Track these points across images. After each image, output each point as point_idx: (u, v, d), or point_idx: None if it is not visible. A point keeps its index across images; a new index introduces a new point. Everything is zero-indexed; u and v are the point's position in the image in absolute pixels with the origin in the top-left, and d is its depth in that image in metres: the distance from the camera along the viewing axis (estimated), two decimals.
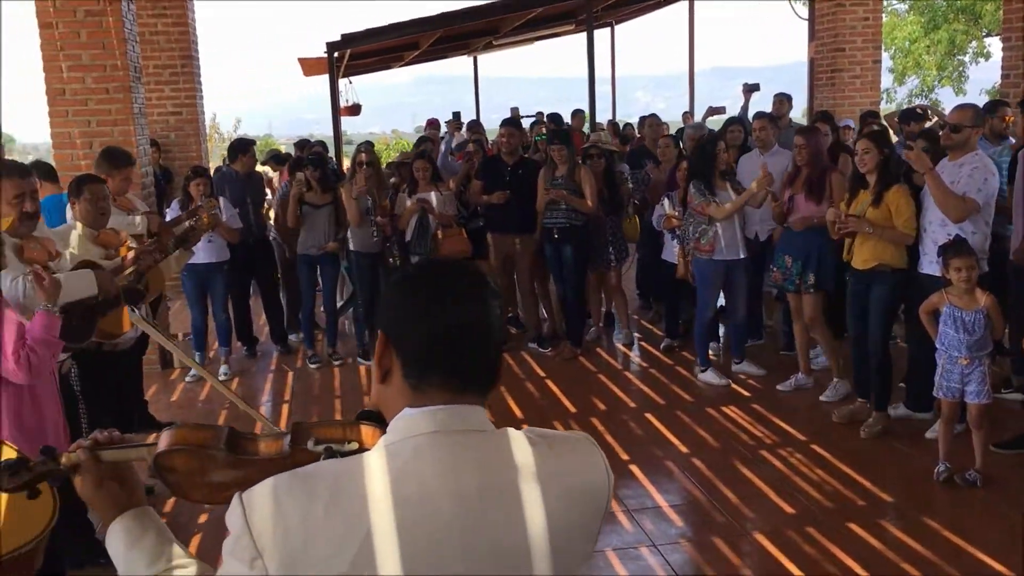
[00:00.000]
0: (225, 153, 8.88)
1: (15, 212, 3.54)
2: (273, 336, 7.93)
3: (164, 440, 1.49)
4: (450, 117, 12.99)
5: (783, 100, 8.40)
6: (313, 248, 7.17)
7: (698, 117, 12.38)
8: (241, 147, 7.91)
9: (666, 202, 6.87)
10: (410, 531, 1.18)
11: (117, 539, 1.45)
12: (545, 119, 12.27)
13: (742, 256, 6.40)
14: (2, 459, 2.46)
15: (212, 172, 8.13)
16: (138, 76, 7.17)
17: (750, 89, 9.15)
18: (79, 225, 4.43)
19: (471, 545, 1.21)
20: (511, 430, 1.32)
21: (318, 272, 7.38)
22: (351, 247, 7.24)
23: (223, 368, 7.14)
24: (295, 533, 1.16)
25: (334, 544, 1.16)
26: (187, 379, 7.04)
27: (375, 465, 1.23)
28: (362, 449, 1.41)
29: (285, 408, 6.46)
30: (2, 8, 4.20)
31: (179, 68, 9.52)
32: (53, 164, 6.39)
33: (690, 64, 16.19)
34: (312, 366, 7.31)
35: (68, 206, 4.66)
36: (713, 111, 10.23)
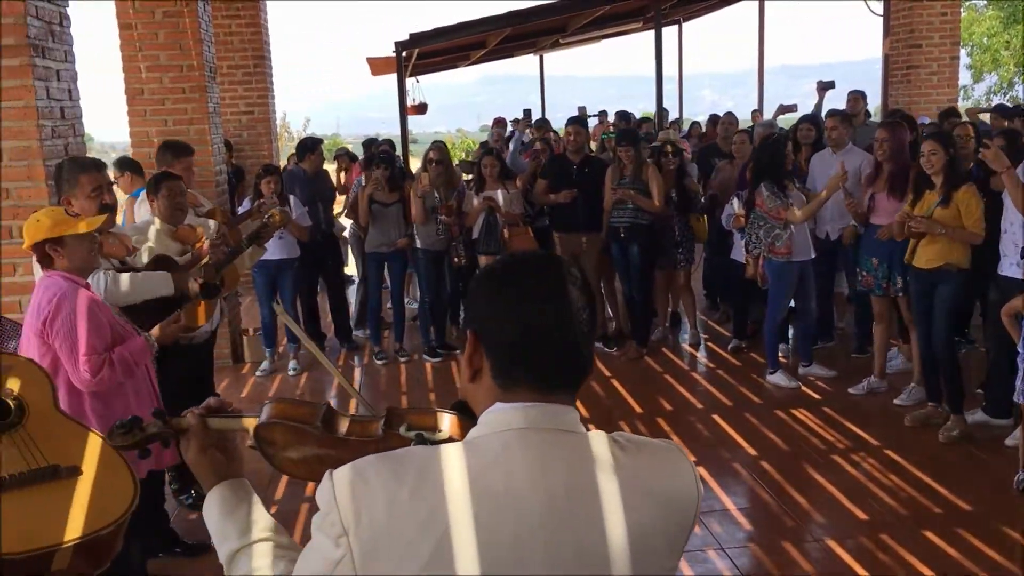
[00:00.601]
0: (291, 153, 9.04)
1: (94, 205, 3.66)
2: (339, 333, 8.02)
3: (265, 412, 1.54)
4: (518, 115, 12.99)
5: (857, 98, 8.21)
6: (384, 246, 7.25)
7: (767, 115, 12.21)
8: (309, 146, 8.02)
9: (735, 201, 6.78)
10: (493, 525, 1.18)
11: (214, 506, 1.50)
12: (609, 117, 12.22)
13: (813, 256, 6.30)
14: (87, 448, 2.55)
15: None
16: (213, 76, 7.33)
17: (824, 87, 8.96)
18: (157, 220, 4.55)
19: (554, 544, 1.20)
20: (599, 432, 1.31)
21: (386, 269, 7.47)
22: (417, 245, 7.30)
23: (292, 364, 7.25)
24: (380, 514, 1.18)
25: (417, 529, 1.17)
26: (257, 373, 7.17)
27: (463, 457, 1.23)
28: (452, 439, 1.42)
29: (352, 404, 6.53)
30: (70, 9, 4.34)
31: (252, 68, 9.72)
32: None
33: (759, 62, 15.94)
34: (379, 362, 7.38)
35: (147, 202, 4.80)
36: (784, 109, 10.06)
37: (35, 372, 2.64)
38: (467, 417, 1.45)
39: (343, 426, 1.54)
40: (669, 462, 1.32)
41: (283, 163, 10.61)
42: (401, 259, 7.47)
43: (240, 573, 1.41)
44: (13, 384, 2.52)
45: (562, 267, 1.31)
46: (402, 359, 7.43)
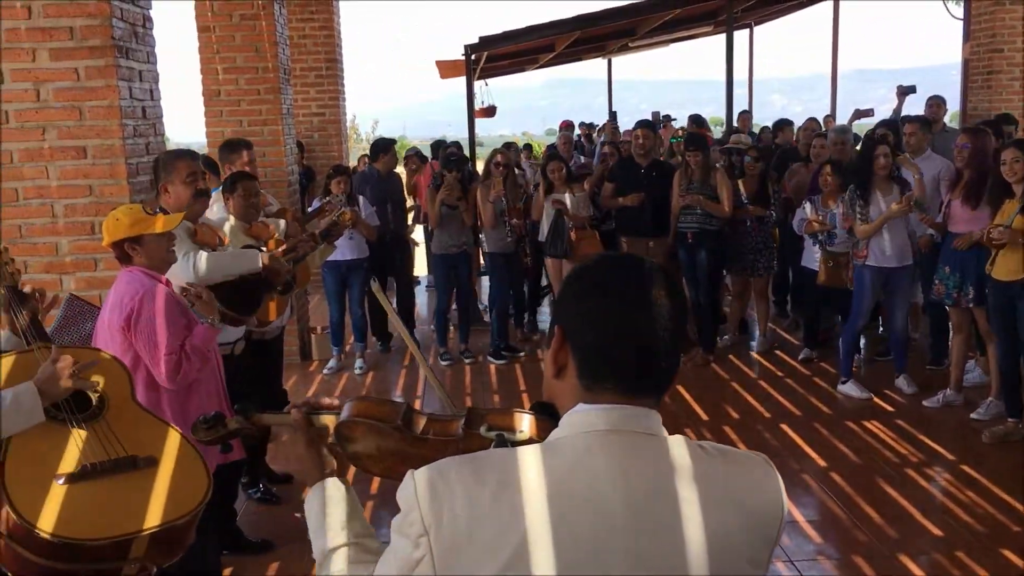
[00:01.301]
0: (362, 154, 9.14)
1: (190, 190, 3.83)
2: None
3: (347, 410, 1.56)
4: (584, 119, 13.00)
5: (939, 103, 8.00)
6: (453, 248, 7.30)
7: (840, 120, 11.96)
8: (383, 146, 8.11)
9: (808, 206, 6.65)
10: (574, 527, 1.18)
11: (316, 503, 1.53)
12: (674, 122, 12.12)
13: (905, 264, 6.06)
14: (163, 441, 2.62)
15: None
16: (287, 78, 7.46)
17: (904, 91, 8.74)
18: (232, 218, 4.64)
19: (634, 548, 1.19)
20: (685, 439, 1.29)
21: (454, 271, 7.52)
22: (485, 248, 7.32)
23: (359, 362, 7.33)
24: (461, 515, 1.18)
25: (497, 531, 1.17)
26: (324, 371, 7.27)
27: (545, 458, 1.22)
28: (532, 440, 1.41)
29: (417, 404, 6.57)
30: (152, 8, 4.46)
31: (324, 71, 9.86)
32: None
33: (833, 66, 15.64)
34: (443, 363, 7.42)
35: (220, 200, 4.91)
36: (860, 114, 9.84)
37: (115, 367, 2.73)
38: (547, 418, 1.44)
39: (424, 425, 1.54)
40: (755, 474, 1.30)
41: (352, 164, 10.75)
42: (468, 261, 7.52)
43: (332, 572, 1.44)
44: (97, 378, 2.61)
45: (654, 272, 1.30)
46: (467, 360, 7.46)
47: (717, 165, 7.13)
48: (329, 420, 1.58)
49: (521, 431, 1.46)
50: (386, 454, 1.54)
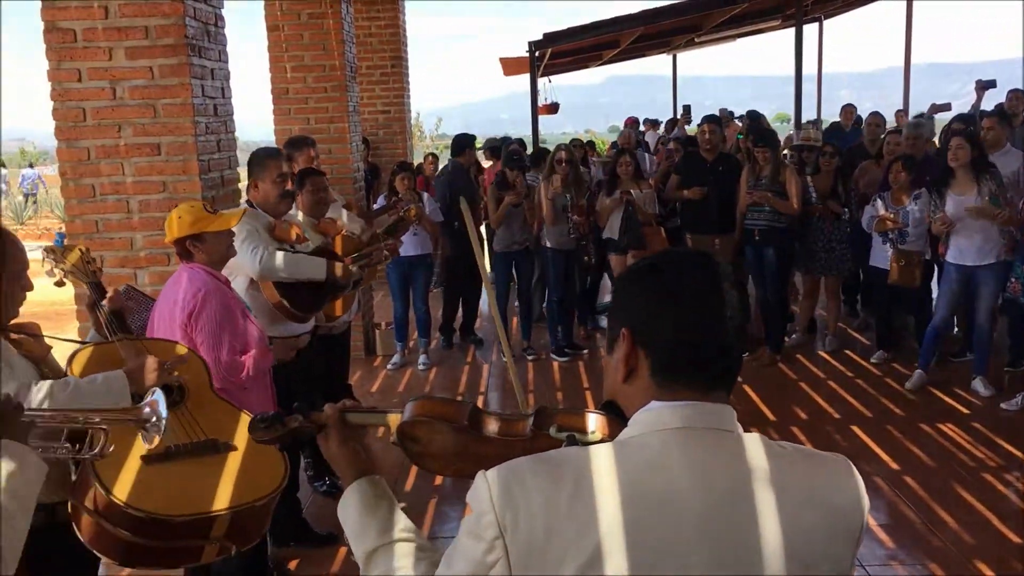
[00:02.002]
0: (428, 152, 9.19)
1: (278, 189, 3.98)
2: (464, 330, 8.09)
3: (409, 410, 1.53)
4: (648, 115, 12.88)
5: (1018, 97, 7.74)
6: (516, 245, 7.30)
7: (913, 116, 11.65)
8: (468, 142, 8.22)
9: (879, 203, 6.49)
10: (652, 527, 1.16)
11: (353, 503, 1.49)
12: (732, 117, 11.93)
13: (985, 262, 5.85)
14: (240, 427, 2.67)
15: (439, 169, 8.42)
16: (353, 76, 7.53)
17: (984, 86, 8.49)
18: (300, 214, 4.70)
19: (714, 546, 1.16)
20: (761, 435, 1.27)
21: (513, 267, 7.51)
22: (547, 244, 7.30)
23: (422, 358, 7.37)
24: (538, 517, 1.16)
25: (575, 532, 1.15)
26: (388, 367, 7.33)
27: (620, 457, 1.20)
28: (604, 440, 1.38)
29: (480, 400, 6.59)
30: (224, 10, 4.56)
31: (389, 68, 9.94)
32: None
33: (906, 60, 15.22)
34: (505, 359, 7.40)
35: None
36: (937, 108, 9.58)
37: (195, 360, 2.87)
38: (617, 418, 1.41)
39: (490, 425, 1.51)
40: (836, 473, 1.27)
41: (418, 162, 10.81)
42: (529, 258, 7.51)
43: (378, 573, 1.40)
44: (178, 370, 2.72)
45: (717, 264, 1.30)
46: (529, 357, 7.45)
47: (786, 162, 7.00)
48: (391, 419, 1.56)
49: (592, 431, 1.43)
50: (451, 455, 1.51)
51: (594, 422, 1.46)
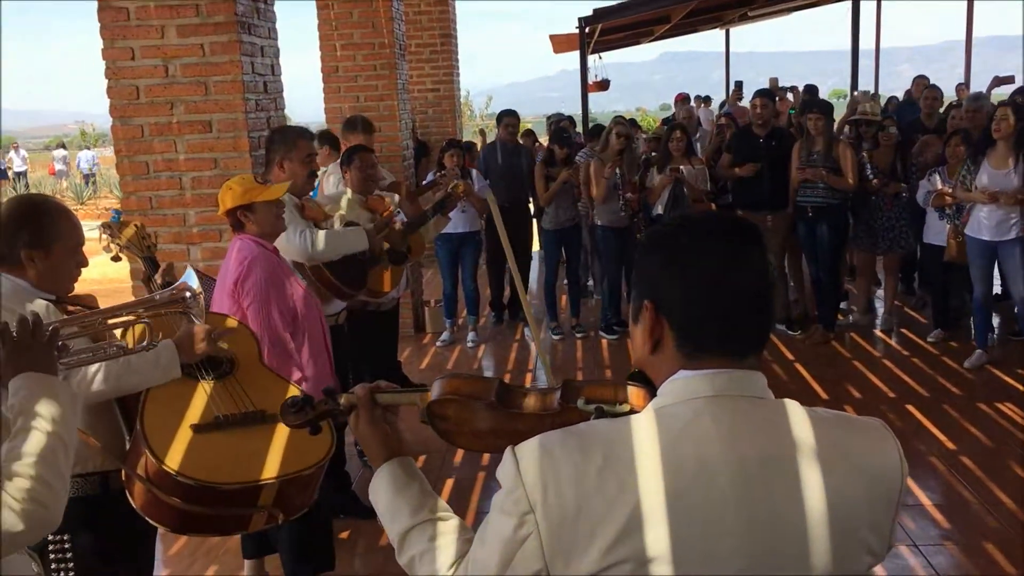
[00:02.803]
0: (479, 128, 9.15)
1: (306, 169, 3.93)
2: (512, 307, 8.09)
3: (437, 389, 1.53)
4: (699, 93, 12.70)
5: None
6: (567, 222, 7.27)
7: (975, 89, 11.31)
8: (504, 115, 8.16)
9: (936, 178, 6.32)
10: (685, 497, 1.13)
11: (384, 484, 1.48)
12: (784, 91, 11.67)
13: (1006, 237, 5.73)
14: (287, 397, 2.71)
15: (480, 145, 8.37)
16: (402, 54, 7.54)
17: None
18: (349, 191, 4.73)
19: (748, 517, 1.14)
20: (793, 402, 1.24)
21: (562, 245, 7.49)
22: (598, 222, 7.25)
23: (471, 335, 7.40)
24: (568, 491, 1.14)
25: (606, 505, 1.13)
26: (437, 344, 7.36)
27: (650, 428, 1.18)
28: (633, 411, 1.37)
29: (528, 378, 6.59)
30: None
31: (439, 47, 9.93)
32: None
33: (967, 33, 14.81)
34: (555, 337, 7.41)
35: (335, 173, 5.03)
36: (1000, 81, 9.29)
37: (244, 331, 2.92)
38: (646, 387, 1.40)
39: (518, 400, 1.50)
40: (871, 439, 1.24)
41: (467, 140, 10.80)
42: (578, 235, 7.48)
43: (413, 552, 1.38)
44: (228, 341, 2.77)
45: (737, 221, 1.26)
46: (578, 335, 7.43)
47: (840, 137, 6.85)
48: (420, 398, 1.55)
49: (621, 402, 1.41)
50: (480, 431, 1.51)
51: (622, 393, 1.44)
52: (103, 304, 2.63)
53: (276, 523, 2.53)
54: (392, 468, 1.49)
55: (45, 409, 1.67)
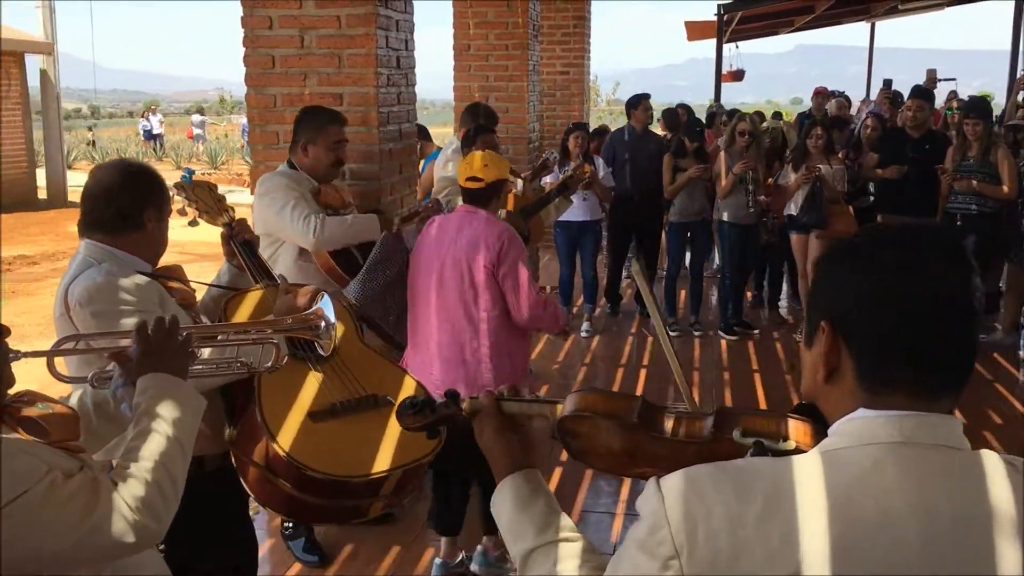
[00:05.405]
0: (601, 115, 8.96)
1: (332, 156, 3.74)
2: (633, 298, 7.91)
3: (571, 404, 1.40)
4: (835, 88, 12.09)
5: None
6: (694, 216, 7.02)
7: None
8: (633, 102, 7.93)
9: None
10: (862, 557, 0.97)
11: (507, 498, 1.37)
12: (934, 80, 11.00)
13: None
14: (402, 384, 2.61)
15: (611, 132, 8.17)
16: (535, 34, 7.41)
17: None
18: None
19: None
20: (991, 453, 1.06)
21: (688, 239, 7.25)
22: (723, 217, 6.97)
23: (585, 325, 7.24)
24: (721, 538, 0.99)
25: (766, 559, 0.98)
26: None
27: (823, 472, 1.02)
28: (799, 450, 1.19)
29: (643, 373, 6.39)
30: None
31: (571, 28, 9.76)
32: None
33: None
34: (672, 334, 7.18)
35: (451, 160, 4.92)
36: None
37: (340, 310, 2.75)
38: (817, 424, 1.22)
39: (663, 423, 1.35)
40: None
41: (594, 125, 10.61)
42: (706, 230, 7.22)
43: (538, 573, 1.29)
44: None
45: (945, 236, 1.07)
46: (696, 333, 7.18)
47: (1000, 140, 6.37)
48: (552, 410, 1.42)
49: (784, 439, 1.24)
50: (616, 453, 1.37)
51: (787, 428, 1.26)
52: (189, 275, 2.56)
53: (391, 511, 2.45)
54: (515, 482, 1.38)
55: (170, 412, 1.63)
